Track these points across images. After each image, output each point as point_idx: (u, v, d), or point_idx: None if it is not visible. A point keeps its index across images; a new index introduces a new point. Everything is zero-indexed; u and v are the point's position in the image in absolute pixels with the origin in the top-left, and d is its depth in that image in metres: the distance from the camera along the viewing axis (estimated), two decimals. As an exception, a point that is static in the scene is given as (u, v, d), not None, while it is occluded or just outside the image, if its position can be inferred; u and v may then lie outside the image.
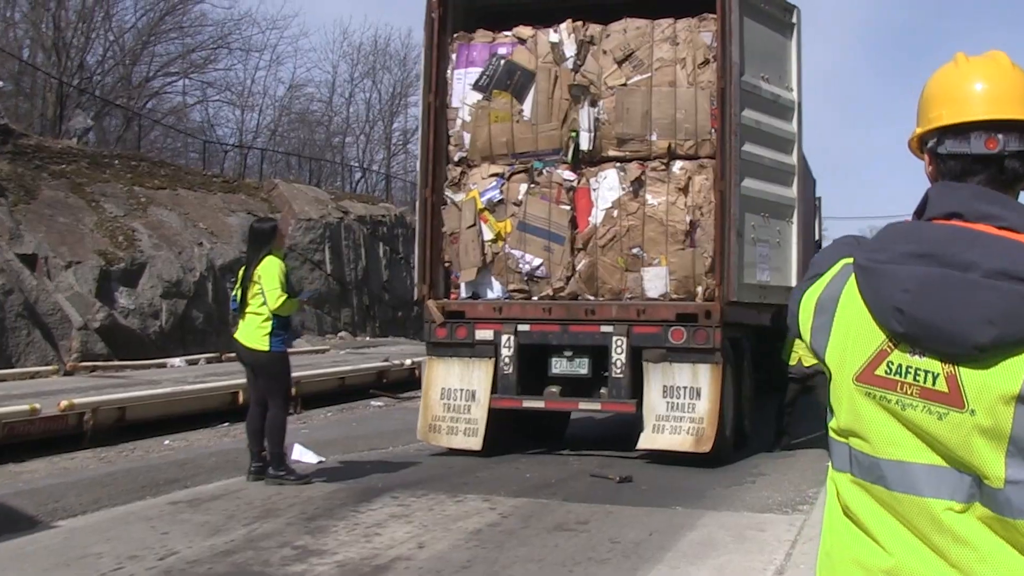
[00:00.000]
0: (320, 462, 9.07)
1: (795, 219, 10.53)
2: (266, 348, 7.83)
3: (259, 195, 27.80)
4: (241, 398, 14.22)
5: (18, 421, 10.52)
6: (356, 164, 44.72)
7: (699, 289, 9.47)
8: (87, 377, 17.43)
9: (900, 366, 1.63)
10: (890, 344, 1.65)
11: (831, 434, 1.78)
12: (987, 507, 1.56)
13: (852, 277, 1.73)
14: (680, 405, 9.25)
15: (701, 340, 9.21)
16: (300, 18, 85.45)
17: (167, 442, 11.40)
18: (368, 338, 28.41)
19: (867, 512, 1.69)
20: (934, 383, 1.59)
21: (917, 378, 1.61)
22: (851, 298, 1.72)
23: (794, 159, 10.49)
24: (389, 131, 47.19)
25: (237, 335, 8.02)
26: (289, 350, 8.32)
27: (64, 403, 11.13)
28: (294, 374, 15.44)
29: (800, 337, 1.87)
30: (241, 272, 8.10)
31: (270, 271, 7.84)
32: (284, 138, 43.82)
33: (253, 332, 7.86)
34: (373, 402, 15.86)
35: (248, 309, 7.90)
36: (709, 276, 9.41)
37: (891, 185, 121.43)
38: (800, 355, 10.22)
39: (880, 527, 1.67)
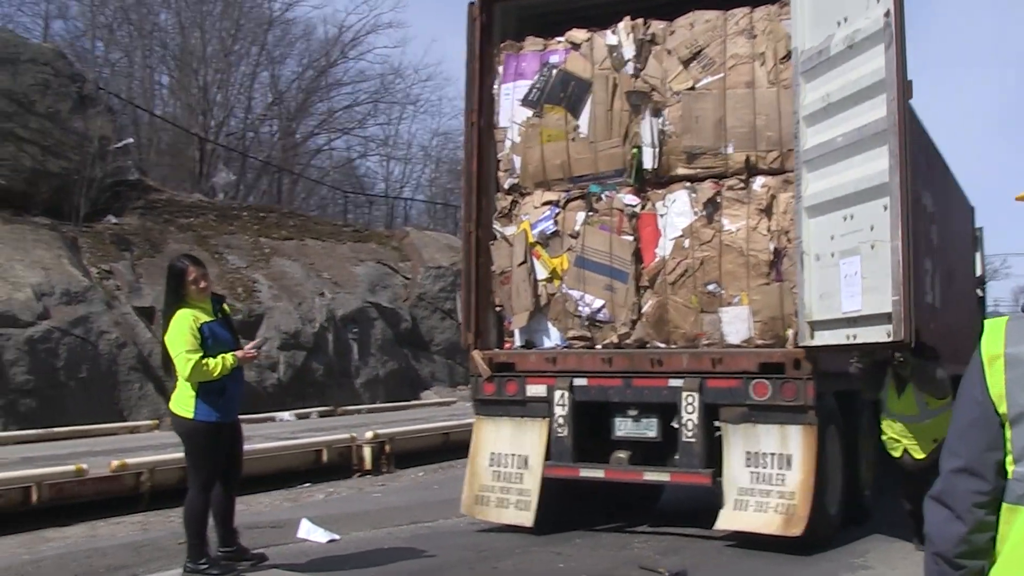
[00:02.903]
0: (331, 540, 7.77)
1: (890, 202, 6.63)
2: (189, 415, 6.37)
3: (390, 244, 27.16)
4: (325, 456, 13.28)
5: (67, 482, 9.83)
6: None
7: (789, 332, 7.71)
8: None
9: None
10: None
11: None
12: None
13: None
14: (766, 476, 7.48)
15: (789, 395, 7.43)
16: (443, 66, 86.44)
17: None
18: (503, 389, 27.19)
19: None
20: None
21: None
22: None
23: (882, 109, 6.70)
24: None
25: (170, 402, 6.71)
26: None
27: (116, 463, 10.36)
28: (390, 430, 14.58)
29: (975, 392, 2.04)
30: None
31: (175, 331, 6.35)
32: (434, 187, 43.62)
33: (178, 396, 6.46)
34: (475, 460, 14.49)
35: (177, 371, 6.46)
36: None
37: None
38: (905, 445, 7.46)
39: None
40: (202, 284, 6.54)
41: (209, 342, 6.40)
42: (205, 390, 6.33)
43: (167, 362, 6.55)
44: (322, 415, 19.87)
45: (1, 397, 15.83)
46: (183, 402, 6.36)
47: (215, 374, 6.30)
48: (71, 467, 10.08)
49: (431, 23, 74.08)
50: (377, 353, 23.68)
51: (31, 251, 18.23)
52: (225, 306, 6.81)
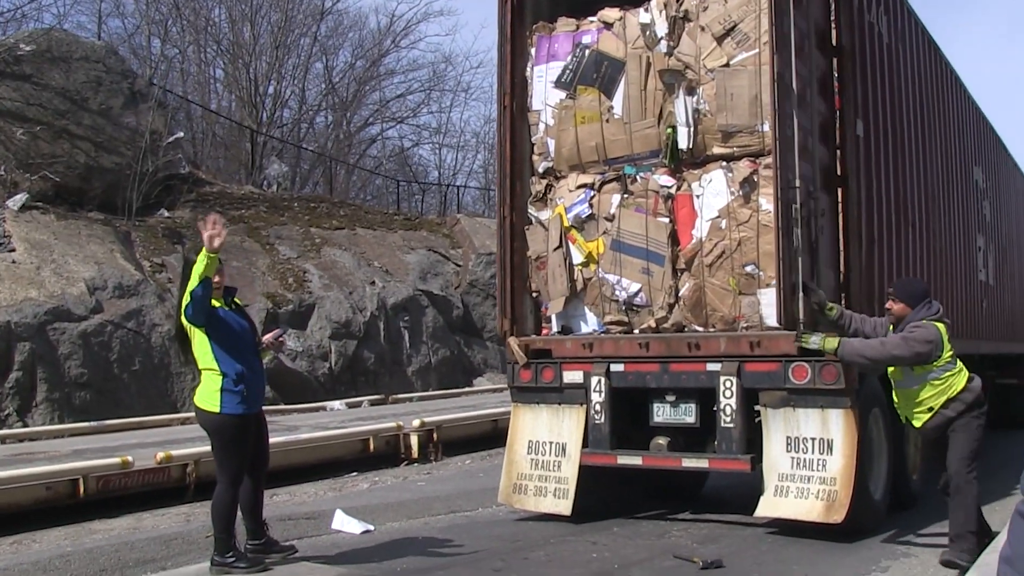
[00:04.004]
0: (365, 531, 7.72)
1: None
2: (216, 409, 6.28)
3: (441, 231, 27.15)
4: (372, 445, 13.26)
5: (113, 474, 9.89)
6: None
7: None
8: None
9: None
10: None
11: None
12: None
13: None
14: (807, 461, 7.28)
15: (829, 379, 7.22)
16: (492, 53, 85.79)
17: (275, 496, 10.44)
18: (556, 375, 27.10)
19: None
20: None
21: None
22: None
23: None
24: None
25: (195, 397, 6.68)
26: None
27: (161, 455, 10.42)
28: (437, 418, 14.52)
29: None
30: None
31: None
32: (488, 173, 43.59)
33: (203, 391, 6.39)
34: (522, 447, 14.35)
35: (199, 365, 6.43)
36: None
37: None
38: (905, 413, 6.85)
39: None
40: (215, 279, 6.46)
41: (228, 324, 6.35)
42: (235, 379, 6.27)
43: (185, 350, 6.54)
44: (373, 404, 19.93)
45: (56, 390, 16.10)
46: (208, 396, 6.32)
47: (202, 268, 6.08)
48: (117, 459, 10.12)
49: (480, 9, 73.96)
50: (429, 341, 23.70)
51: (85, 246, 18.50)
52: (236, 299, 6.75)
